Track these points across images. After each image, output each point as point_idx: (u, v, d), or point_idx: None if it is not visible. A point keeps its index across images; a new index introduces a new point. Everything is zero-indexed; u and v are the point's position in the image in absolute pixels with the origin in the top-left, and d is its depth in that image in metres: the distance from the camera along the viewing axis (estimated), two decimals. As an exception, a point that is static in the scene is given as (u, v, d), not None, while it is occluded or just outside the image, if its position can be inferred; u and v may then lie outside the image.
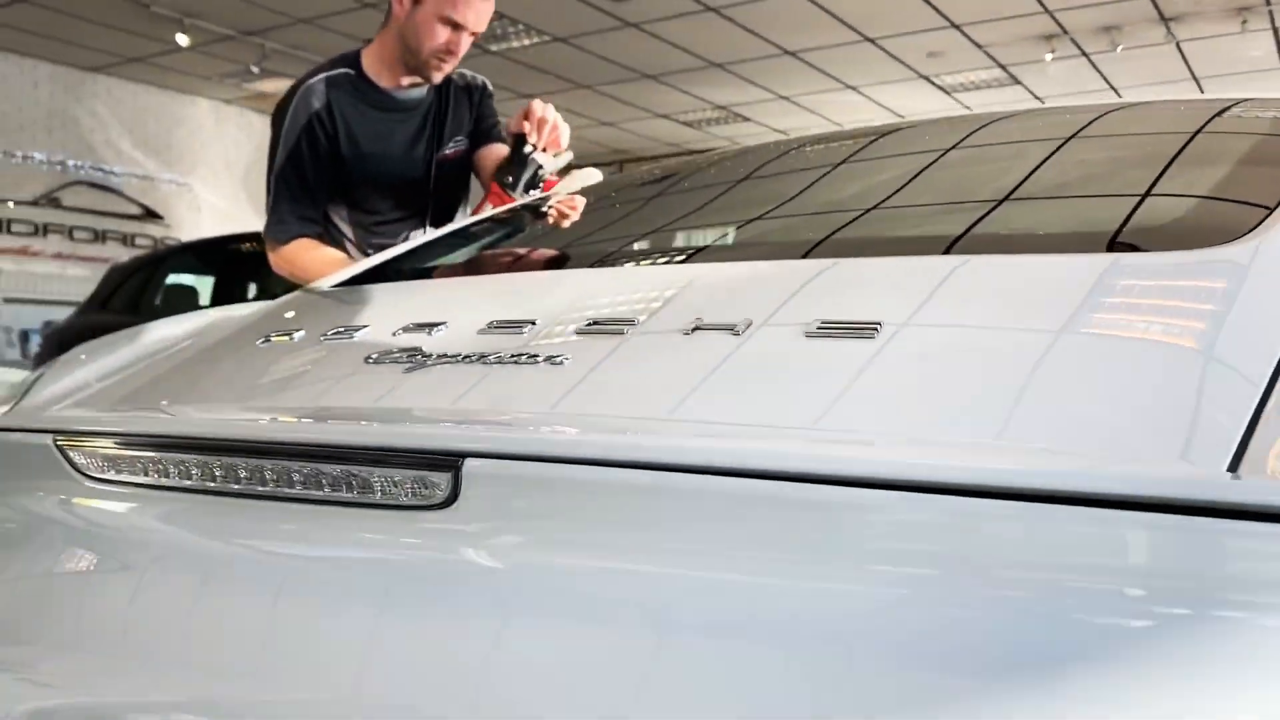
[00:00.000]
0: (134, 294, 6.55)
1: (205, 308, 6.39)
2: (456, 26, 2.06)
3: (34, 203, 8.66)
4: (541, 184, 1.99)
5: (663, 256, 1.15)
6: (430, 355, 0.82)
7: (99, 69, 8.97)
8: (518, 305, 0.95)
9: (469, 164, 2.29)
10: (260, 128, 10.41)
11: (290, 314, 1.19)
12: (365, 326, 0.95)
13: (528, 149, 1.99)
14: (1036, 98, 9.86)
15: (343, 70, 2.15)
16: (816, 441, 0.63)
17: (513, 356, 0.77)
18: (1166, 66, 8.94)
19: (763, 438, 0.64)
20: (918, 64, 8.81)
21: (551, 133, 2.07)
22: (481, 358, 0.79)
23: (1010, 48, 8.35)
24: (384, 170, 2.16)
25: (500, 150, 2.25)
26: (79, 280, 8.89)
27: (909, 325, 0.73)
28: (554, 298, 0.96)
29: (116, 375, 1.11)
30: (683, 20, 7.73)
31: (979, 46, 8.31)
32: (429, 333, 0.87)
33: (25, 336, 8.68)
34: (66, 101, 8.89)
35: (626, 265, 1.12)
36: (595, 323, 0.81)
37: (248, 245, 6.62)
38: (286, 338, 1.00)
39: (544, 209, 1.64)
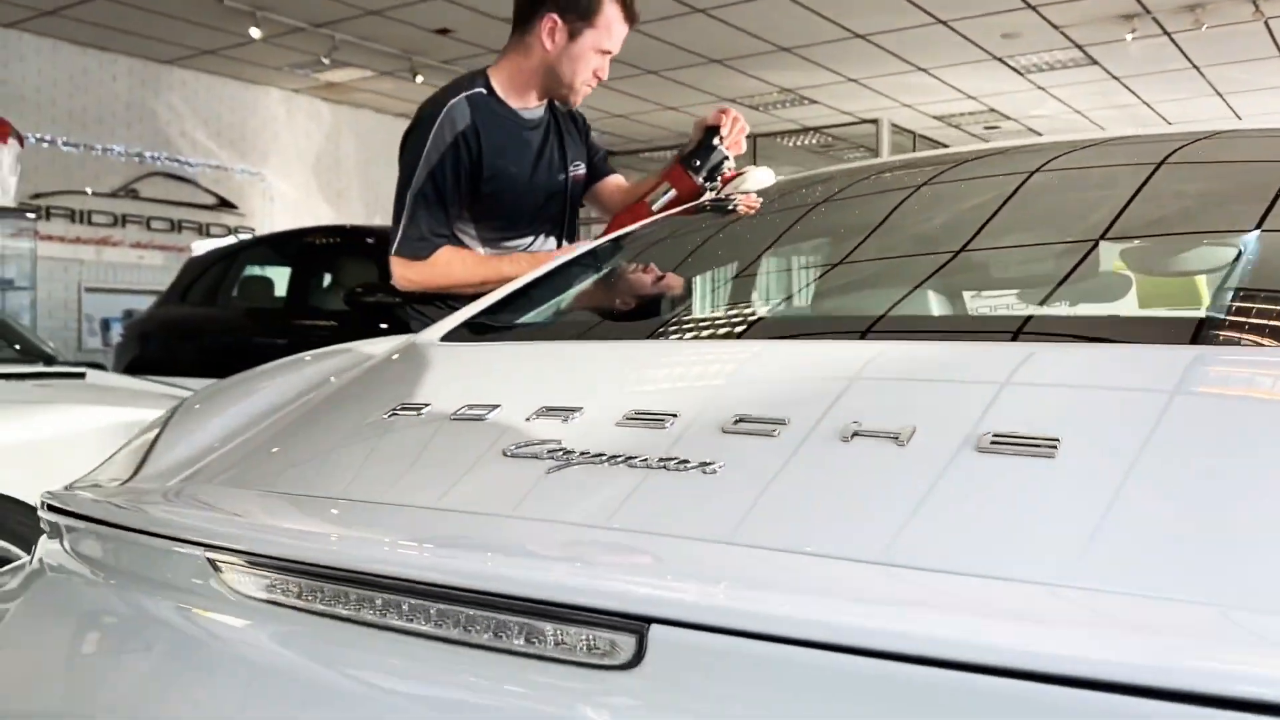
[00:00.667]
0: (211, 286, 6.68)
1: (281, 299, 6.50)
2: (605, 53, 2.15)
3: (113, 194, 8.85)
4: (721, 175, 2.08)
5: (814, 324, 1.10)
6: (572, 453, 0.80)
7: (175, 61, 9.12)
8: (657, 386, 0.92)
9: (585, 189, 2.37)
10: (330, 118, 10.53)
11: (415, 376, 1.18)
12: (496, 406, 0.93)
13: (717, 140, 2.09)
14: (1114, 77, 9.60)
15: (479, 90, 2.17)
16: (1079, 624, 0.53)
17: (661, 462, 0.75)
18: (1254, 45, 8.63)
19: (1006, 617, 0.55)
20: (992, 46, 8.60)
21: (737, 134, 2.15)
22: (628, 460, 0.76)
23: (1088, 28, 8.12)
24: (518, 188, 2.19)
25: (618, 180, 2.39)
26: (156, 269, 9.09)
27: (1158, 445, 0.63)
28: (695, 376, 0.93)
29: (241, 443, 1.11)
30: (753, 5, 7.64)
31: (1056, 27, 8.09)
32: (565, 420, 0.85)
33: (106, 325, 8.90)
34: (144, 94, 9.06)
35: (772, 336, 1.07)
36: (742, 420, 0.79)
37: (321, 239, 6.71)
38: (414, 414, 0.98)
39: (675, 238, 1.63)
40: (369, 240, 6.32)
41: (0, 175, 6.29)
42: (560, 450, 0.81)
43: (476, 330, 1.35)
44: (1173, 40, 8.49)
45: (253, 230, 9.76)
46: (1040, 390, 0.79)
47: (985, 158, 1.68)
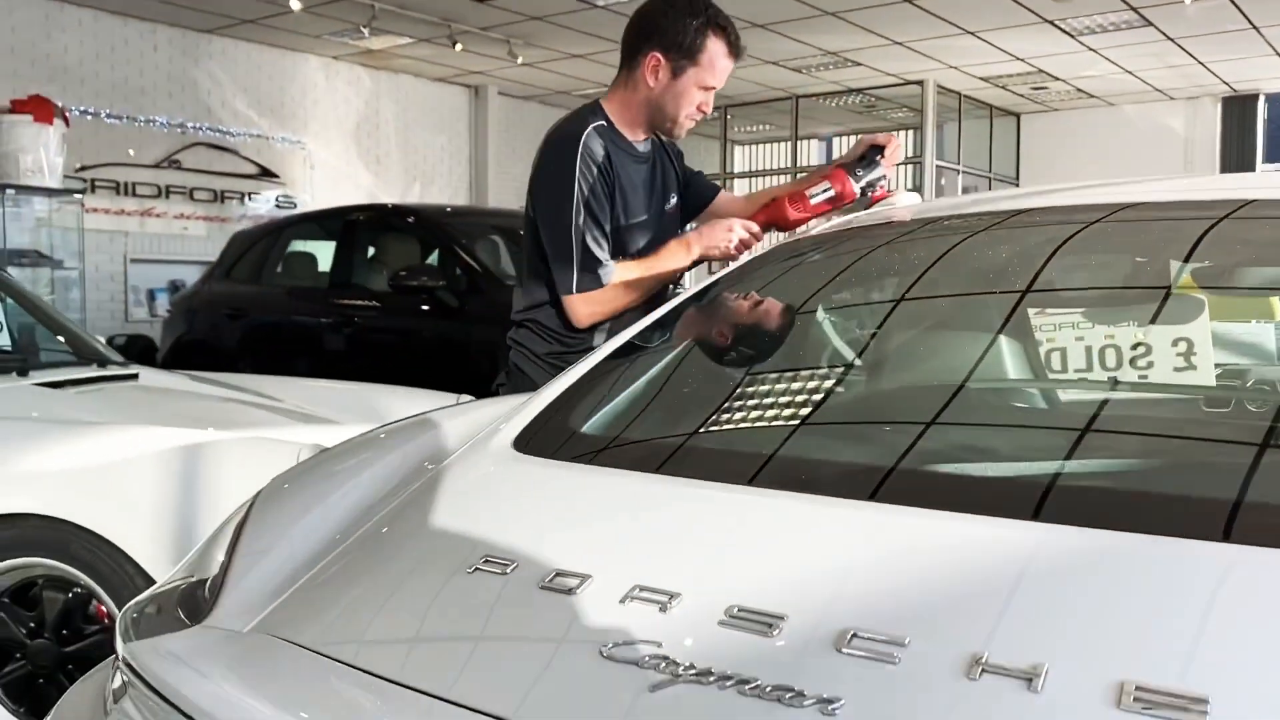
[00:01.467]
0: (256, 263, 6.70)
1: (325, 277, 6.51)
2: (708, 89, 2.15)
3: (156, 165, 8.88)
4: (874, 191, 2.17)
5: (943, 489, 1.00)
6: (677, 666, 0.75)
7: (214, 31, 9.09)
8: (762, 564, 0.87)
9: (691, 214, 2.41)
10: (369, 84, 10.48)
11: (497, 510, 1.13)
12: (588, 577, 0.88)
13: (880, 157, 2.18)
14: (1169, 39, 9.31)
15: (601, 122, 2.17)
16: None
17: (775, 691, 0.71)
18: (1318, 6, 8.33)
19: None
20: (1042, 8, 8.36)
21: (893, 157, 2.21)
22: (739, 684, 0.72)
23: (1145, -10, 7.87)
24: (635, 221, 2.20)
25: (731, 195, 2.45)
26: (200, 240, 9.14)
27: None
28: (804, 551, 0.88)
29: (314, 583, 1.09)
30: (797, -28, 7.46)
31: (1111, -10, 7.86)
32: (663, 609, 0.81)
33: (152, 296, 8.97)
34: (185, 64, 9.05)
35: (898, 498, 0.96)
36: (857, 636, 0.75)
37: (364, 216, 6.71)
38: (499, 573, 0.93)
39: (803, 336, 1.57)
40: (410, 219, 6.31)
41: (48, 157, 6.33)
42: (662, 659, 0.78)
43: (557, 436, 1.31)
44: (1234, 2, 8.20)
45: (294, 201, 9.77)
46: (1197, 619, 0.72)
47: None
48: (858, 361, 1.51)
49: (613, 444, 1.30)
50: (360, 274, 6.35)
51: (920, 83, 11.28)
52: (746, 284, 1.74)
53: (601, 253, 2.09)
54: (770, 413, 1.31)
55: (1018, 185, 13.15)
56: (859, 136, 2.28)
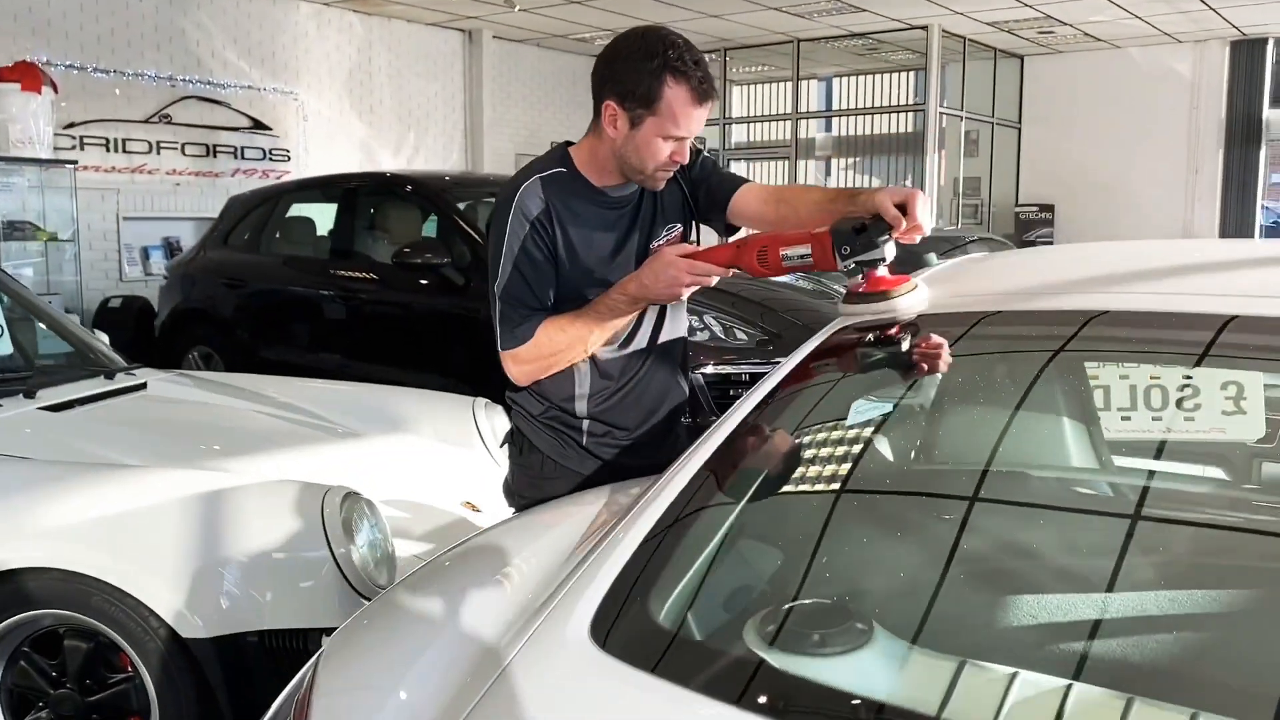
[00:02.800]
0: (254, 231, 6.58)
1: (324, 248, 6.40)
2: (679, 139, 1.96)
3: (146, 120, 8.68)
4: (865, 273, 1.80)
5: None
6: None
7: (201, -23, 8.82)
8: None
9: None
10: (361, 30, 10.22)
11: None
12: None
13: (885, 238, 1.76)
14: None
15: (558, 169, 2.05)
16: None
17: None
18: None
19: None
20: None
21: (911, 232, 1.79)
22: None
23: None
24: (598, 269, 2.07)
25: (756, 192, 2.12)
26: (193, 195, 8.98)
27: None
28: None
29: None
30: (805, -76, 7.24)
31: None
32: None
33: (146, 254, 8.85)
34: (173, 14, 8.79)
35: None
36: None
37: (363, 183, 6.57)
38: None
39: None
40: (409, 188, 6.18)
41: (38, 126, 6.16)
42: None
43: (638, 626, 1.24)
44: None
45: (287, 153, 9.59)
46: None
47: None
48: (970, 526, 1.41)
49: (706, 646, 1.23)
50: (361, 245, 6.25)
51: (925, 28, 11.04)
52: (809, 399, 1.64)
53: (523, 310, 1.98)
54: (892, 604, 1.24)
55: (1019, 129, 12.99)
56: (880, 196, 1.77)
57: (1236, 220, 12.01)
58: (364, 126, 10.31)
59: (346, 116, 10.17)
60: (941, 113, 11.80)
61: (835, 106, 13.81)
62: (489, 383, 5.27)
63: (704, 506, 1.42)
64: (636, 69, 1.89)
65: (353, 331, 5.94)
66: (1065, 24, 10.80)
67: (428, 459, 3.28)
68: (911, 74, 12.68)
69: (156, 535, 2.38)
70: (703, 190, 2.15)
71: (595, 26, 10.97)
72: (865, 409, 1.64)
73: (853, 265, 1.79)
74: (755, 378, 4.62)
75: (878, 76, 12.93)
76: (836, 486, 1.45)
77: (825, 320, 1.90)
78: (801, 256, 1.83)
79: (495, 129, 11.52)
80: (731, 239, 2.01)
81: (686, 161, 2.02)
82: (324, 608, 2.37)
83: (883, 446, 1.55)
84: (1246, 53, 11.75)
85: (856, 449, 1.56)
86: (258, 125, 9.39)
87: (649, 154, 1.95)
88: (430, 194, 5.95)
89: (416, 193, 6.08)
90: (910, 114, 12.36)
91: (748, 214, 2.15)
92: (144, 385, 3.42)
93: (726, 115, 13.00)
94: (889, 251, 1.77)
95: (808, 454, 1.58)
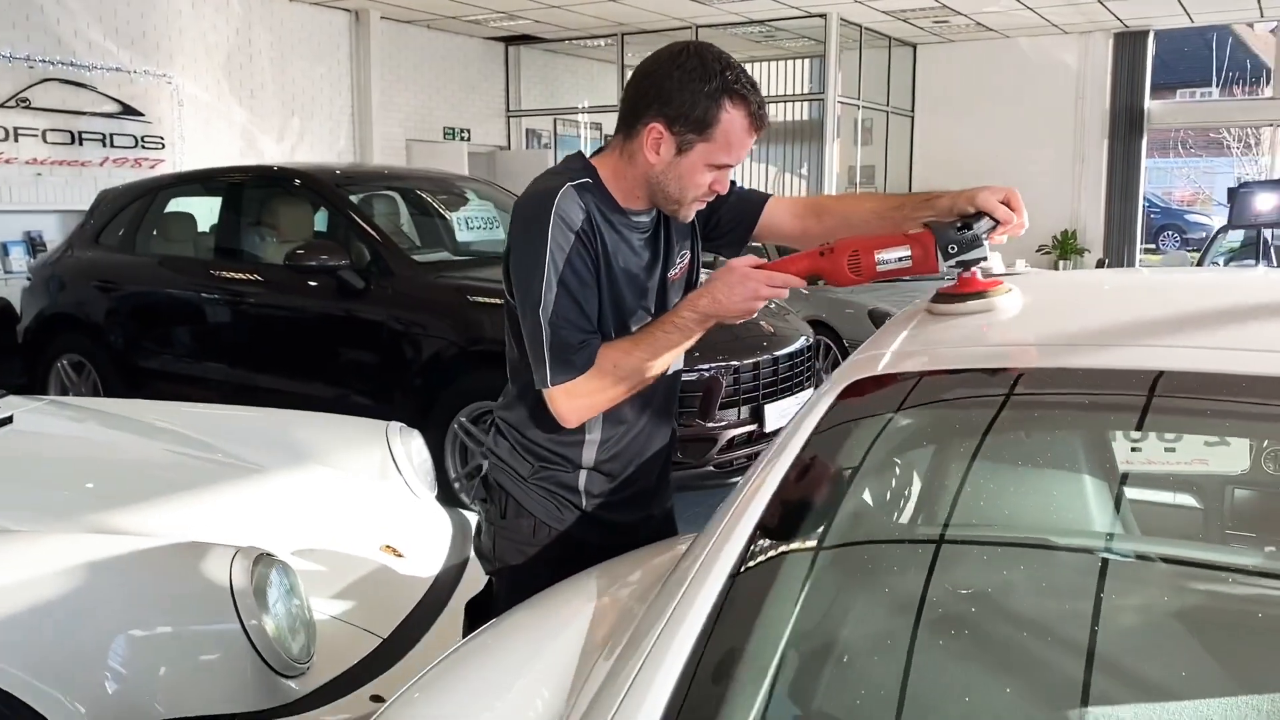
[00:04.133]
0: (130, 226, 6.07)
1: (208, 243, 5.94)
2: (723, 167, 1.75)
3: (2, 105, 7.99)
4: (965, 272, 1.68)
5: None
6: None
7: (60, -50, 8.15)
8: None
9: (688, 281, 1.98)
10: (239, 9, 9.63)
11: None
12: None
13: (988, 234, 1.67)
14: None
15: (586, 179, 1.78)
16: None
17: None
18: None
19: None
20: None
21: (1015, 229, 1.70)
22: None
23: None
24: (630, 295, 1.83)
25: (784, 206, 1.97)
26: (56, 186, 8.32)
27: None
28: None
29: None
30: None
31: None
32: None
33: (4, 249, 8.17)
34: (29, -11, 8.11)
35: None
36: None
37: (249, 177, 6.12)
38: None
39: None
40: (298, 182, 5.76)
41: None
42: None
43: None
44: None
45: (161, 141, 8.98)
46: None
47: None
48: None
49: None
50: (249, 244, 5.82)
51: (823, 15, 10.99)
52: (841, 472, 1.42)
53: (578, 335, 1.72)
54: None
55: (912, 118, 13.09)
56: (983, 193, 1.67)
57: (1120, 209, 12.35)
58: (244, 112, 9.73)
59: (225, 101, 9.58)
60: (839, 101, 11.79)
61: (732, 93, 13.68)
62: (391, 395, 5.05)
63: (748, 623, 1.19)
64: (692, 90, 1.68)
65: (239, 339, 5.52)
66: (960, 13, 10.88)
67: (340, 497, 2.97)
68: (807, 62, 12.65)
69: (31, 615, 2.04)
70: (725, 210, 1.94)
71: (488, 8, 10.59)
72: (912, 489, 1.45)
73: (955, 266, 1.67)
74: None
75: (774, 64, 12.86)
76: (906, 604, 1.25)
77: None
78: (900, 259, 1.67)
79: (385, 114, 11.04)
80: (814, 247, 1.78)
81: (724, 192, 1.81)
82: (235, 689, 2.08)
83: (952, 556, 1.34)
84: (1129, 44, 12.07)
85: (922, 554, 1.35)
86: (128, 110, 8.75)
87: (691, 182, 1.75)
88: (322, 188, 5.55)
89: (307, 187, 5.66)
90: (808, 102, 12.33)
91: (782, 232, 1.96)
92: (10, 420, 3.02)
93: (624, 101, 12.73)
94: (991, 257, 1.67)
95: (861, 552, 1.37)
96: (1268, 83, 21.92)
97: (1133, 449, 1.41)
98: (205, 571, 2.15)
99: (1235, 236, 9.29)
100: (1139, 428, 1.38)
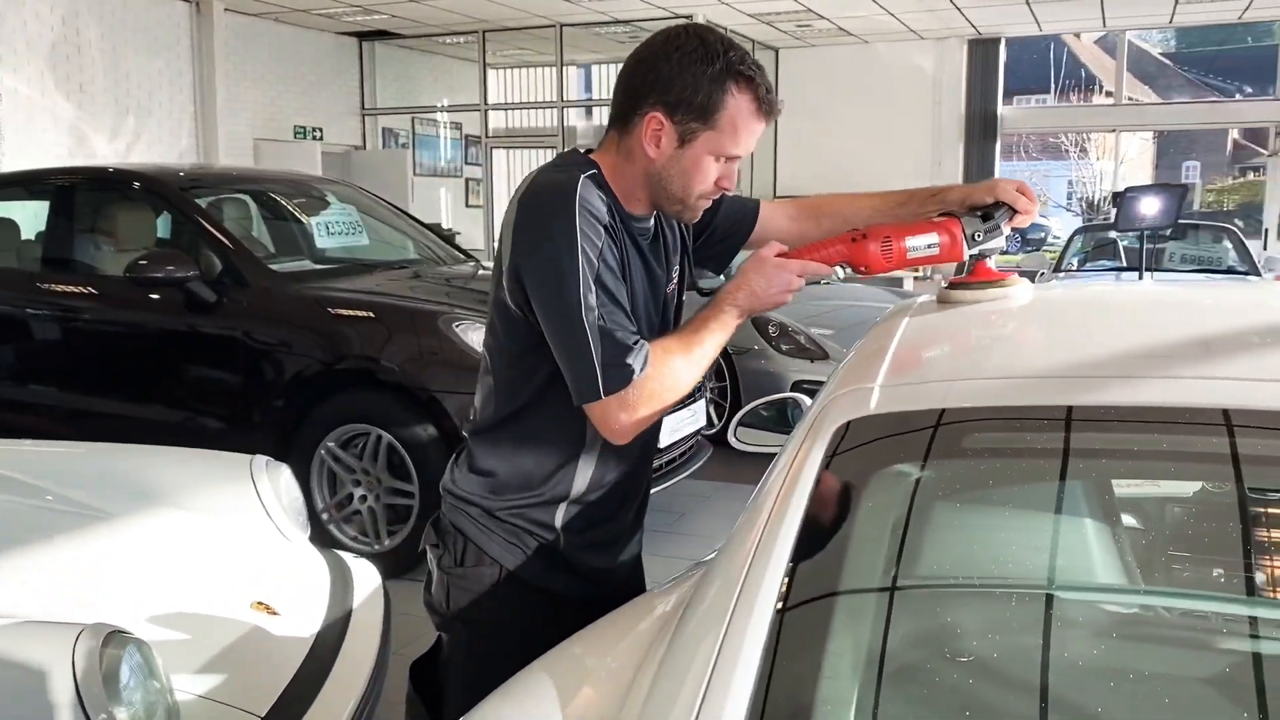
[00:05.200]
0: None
1: (30, 245, 5.33)
2: (731, 158, 1.58)
3: None
4: (982, 259, 1.71)
5: None
6: None
7: None
8: None
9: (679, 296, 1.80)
10: (65, -4, 8.84)
11: None
12: None
13: (1006, 222, 1.69)
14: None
15: (595, 170, 1.58)
16: None
17: None
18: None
19: None
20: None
21: (1022, 220, 1.70)
22: None
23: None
24: (642, 309, 1.64)
25: (781, 211, 1.86)
26: None
27: None
28: None
29: None
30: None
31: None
32: None
33: None
34: None
35: None
36: None
37: (82, 180, 5.53)
38: None
39: None
40: (137, 185, 5.23)
41: None
42: None
43: None
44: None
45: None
46: None
47: None
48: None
49: None
50: (82, 253, 5.25)
51: (689, 17, 10.87)
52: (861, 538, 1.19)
53: (630, 336, 1.51)
54: None
55: (776, 120, 13.11)
56: (1001, 184, 1.70)
57: (976, 211, 12.67)
58: (73, 108, 8.95)
59: (51, 97, 8.77)
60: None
61: (595, 95, 13.50)
62: (249, 419, 4.61)
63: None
64: (693, 73, 1.51)
65: (73, 360, 4.96)
66: (823, 17, 10.94)
67: (201, 548, 2.59)
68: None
69: None
70: (720, 218, 1.79)
71: (341, 1, 10.06)
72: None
73: (975, 255, 1.69)
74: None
75: (638, 64, 12.69)
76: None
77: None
78: (929, 246, 1.66)
79: (231, 112, 10.37)
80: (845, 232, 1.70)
81: (732, 189, 1.64)
82: (79, 802, 1.71)
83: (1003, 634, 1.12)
84: (982, 51, 12.41)
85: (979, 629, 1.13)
86: (-66, 105, 7.91)
87: (697, 177, 1.56)
88: (166, 191, 5.05)
89: (148, 190, 5.14)
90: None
91: (782, 237, 1.77)
92: None
93: (486, 101, 12.36)
94: (1004, 242, 1.70)
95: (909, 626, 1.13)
96: (1098, 90, 23.12)
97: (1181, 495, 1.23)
98: (41, 660, 1.77)
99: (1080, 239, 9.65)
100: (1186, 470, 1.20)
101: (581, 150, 1.65)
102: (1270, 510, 1.19)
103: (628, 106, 1.56)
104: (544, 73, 12.96)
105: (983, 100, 12.50)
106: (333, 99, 11.97)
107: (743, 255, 1.79)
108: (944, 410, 1.27)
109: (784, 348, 6.24)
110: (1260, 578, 1.19)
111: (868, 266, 1.63)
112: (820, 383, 6.09)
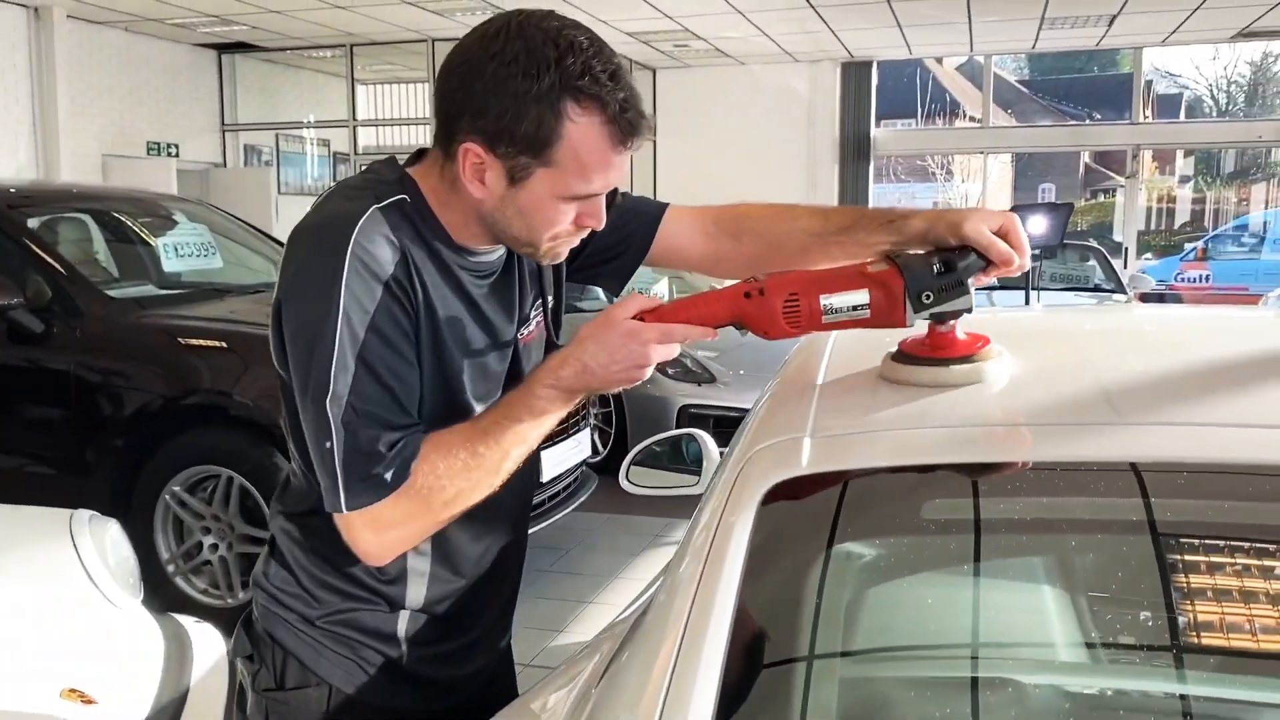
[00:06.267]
0: None
1: None
2: (584, 198, 1.20)
3: None
4: (945, 326, 1.22)
5: None
6: None
7: None
8: None
9: (546, 342, 1.41)
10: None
11: None
12: None
13: (975, 277, 1.20)
14: (811, 5, 9.38)
15: (403, 196, 1.21)
16: None
17: None
18: (947, -13, 8.70)
19: None
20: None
21: (1010, 272, 1.23)
22: None
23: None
24: (466, 373, 1.26)
25: (694, 218, 1.44)
26: None
27: None
28: None
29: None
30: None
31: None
32: None
33: None
34: None
35: None
36: None
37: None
38: None
39: None
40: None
41: None
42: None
43: None
44: (877, -24, 8.35)
45: None
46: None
47: None
48: None
49: None
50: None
51: (565, 33, 10.68)
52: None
53: (388, 436, 1.14)
54: None
55: (655, 141, 13.04)
56: (969, 224, 1.21)
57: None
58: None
59: None
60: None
61: (469, 112, 13.16)
62: (83, 463, 4.14)
63: None
64: (514, 93, 1.12)
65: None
66: (700, 38, 10.88)
67: (4, 624, 2.20)
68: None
69: None
70: (604, 231, 1.31)
71: (196, 10, 9.51)
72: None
73: (929, 318, 1.21)
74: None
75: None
76: None
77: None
78: (854, 308, 1.20)
79: (76, 126, 9.67)
80: (728, 285, 1.27)
81: (601, 227, 1.25)
82: None
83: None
84: (855, 74, 12.55)
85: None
86: None
87: (541, 221, 1.20)
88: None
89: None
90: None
91: (687, 255, 1.44)
92: None
93: (355, 117, 11.89)
94: (971, 303, 1.20)
95: None
96: (962, 115, 23.86)
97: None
98: None
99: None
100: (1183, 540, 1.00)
101: (400, 162, 1.28)
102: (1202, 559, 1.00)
103: (444, 130, 1.19)
104: (416, 89, 12.57)
105: (856, 122, 12.65)
106: (190, 114, 11.33)
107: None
108: (896, 468, 1.05)
109: (670, 371, 6.02)
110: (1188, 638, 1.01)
111: (765, 330, 1.22)
112: (709, 408, 5.98)
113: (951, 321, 1.21)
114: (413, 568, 1.28)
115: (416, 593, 1.29)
